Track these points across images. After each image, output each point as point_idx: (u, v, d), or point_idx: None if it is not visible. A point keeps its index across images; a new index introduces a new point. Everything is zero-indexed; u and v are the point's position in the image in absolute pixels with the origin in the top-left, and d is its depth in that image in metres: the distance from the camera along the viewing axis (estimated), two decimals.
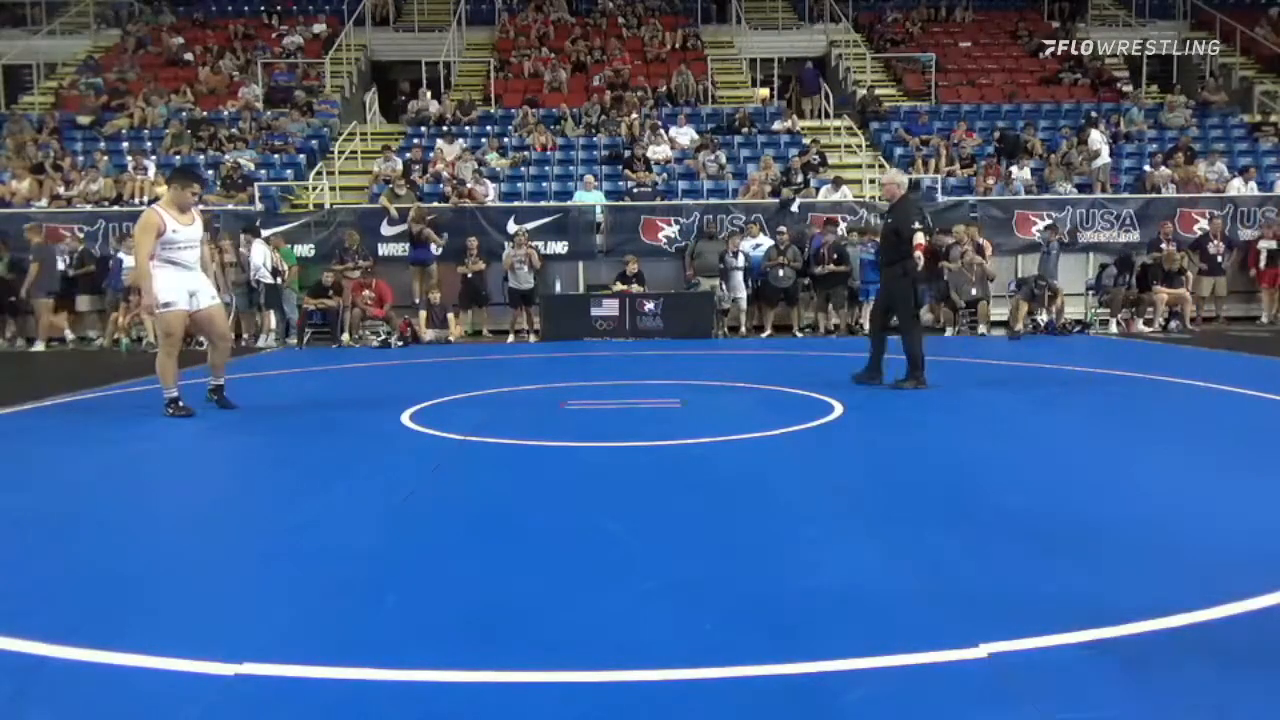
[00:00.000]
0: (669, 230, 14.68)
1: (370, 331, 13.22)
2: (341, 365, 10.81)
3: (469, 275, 13.97)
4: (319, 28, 21.20)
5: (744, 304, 13.98)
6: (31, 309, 13.67)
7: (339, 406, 7.68)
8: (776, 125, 18.04)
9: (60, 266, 13.74)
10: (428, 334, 13.39)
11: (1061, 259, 14.45)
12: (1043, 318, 13.63)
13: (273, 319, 13.71)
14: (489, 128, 17.91)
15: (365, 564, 3.44)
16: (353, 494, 4.55)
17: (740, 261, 13.85)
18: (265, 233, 14.05)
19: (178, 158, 16.51)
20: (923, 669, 2.48)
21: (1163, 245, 14.02)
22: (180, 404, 6.90)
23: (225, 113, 18.11)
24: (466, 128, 17.75)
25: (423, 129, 17.93)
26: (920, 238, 7.77)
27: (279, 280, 13.53)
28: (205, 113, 17.97)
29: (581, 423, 6.55)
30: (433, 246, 14.08)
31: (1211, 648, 2.59)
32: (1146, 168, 16.36)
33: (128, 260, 13.14)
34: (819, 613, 2.90)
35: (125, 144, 17.05)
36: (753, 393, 7.91)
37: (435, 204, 14.79)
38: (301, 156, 16.75)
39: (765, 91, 20.81)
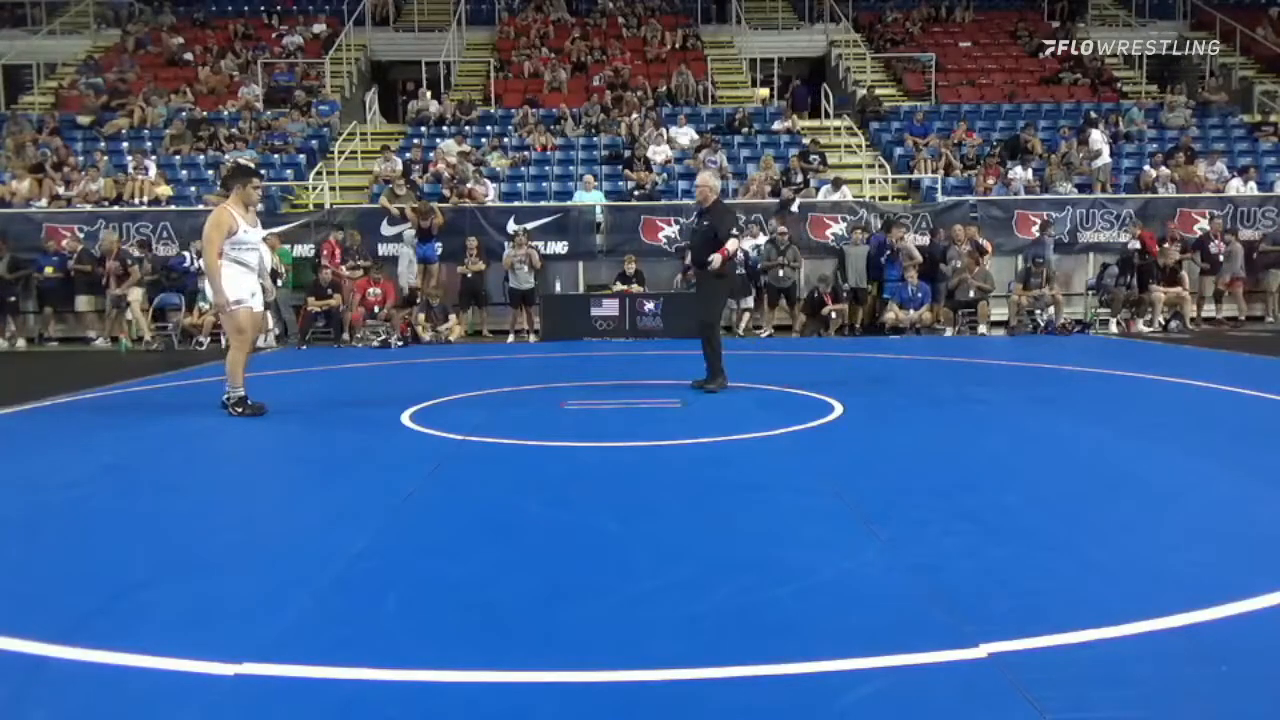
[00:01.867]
0: (669, 230, 14.68)
1: (370, 331, 13.22)
2: (341, 365, 10.81)
3: (469, 275, 13.97)
4: (319, 28, 21.20)
5: (743, 304, 14.01)
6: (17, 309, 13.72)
7: (339, 406, 7.68)
8: (776, 125, 18.05)
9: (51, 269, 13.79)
10: (426, 334, 13.38)
11: (1061, 259, 14.48)
12: (1043, 318, 13.64)
13: (270, 319, 13.70)
14: (489, 128, 17.91)
15: (365, 564, 3.44)
16: (353, 494, 4.55)
17: (739, 260, 13.86)
18: (263, 233, 14.02)
19: (178, 158, 16.53)
20: (923, 669, 2.48)
21: (1131, 244, 14.07)
22: (250, 402, 6.90)
23: (225, 113, 18.11)
24: (466, 128, 17.75)
25: (423, 129, 17.94)
26: (731, 244, 7.82)
27: (276, 281, 13.52)
28: (205, 113, 17.97)
29: (581, 423, 6.55)
30: (435, 246, 14.07)
31: (1211, 648, 2.59)
32: (1146, 167, 16.36)
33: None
34: (819, 613, 2.90)
35: (125, 144, 17.05)
36: (753, 393, 7.91)
37: (436, 204, 14.77)
38: (301, 156, 16.75)
39: (765, 91, 20.81)
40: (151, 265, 13.88)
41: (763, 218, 14.56)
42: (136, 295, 13.50)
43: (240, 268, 6.87)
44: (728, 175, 16.20)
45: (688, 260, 13.89)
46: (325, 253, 13.86)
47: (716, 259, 7.54)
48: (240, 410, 6.85)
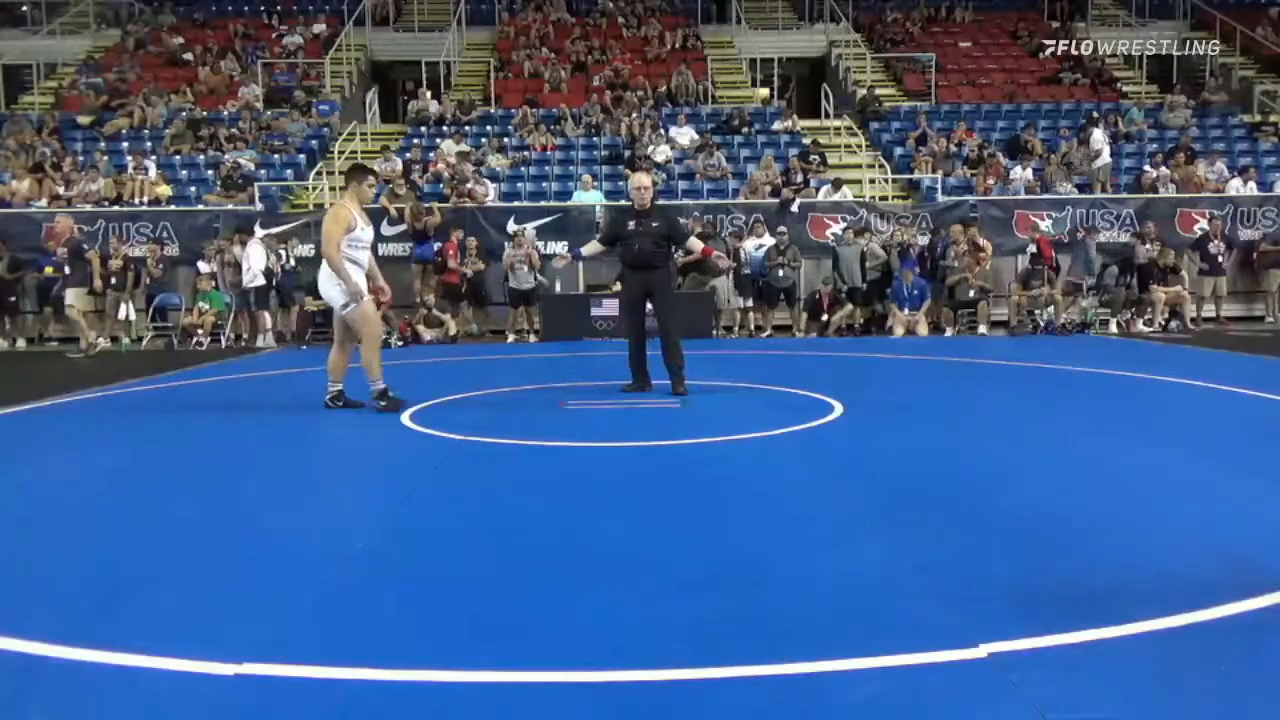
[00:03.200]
0: None
1: None
2: None
3: (469, 275, 13.97)
4: (319, 28, 21.19)
5: (727, 303, 14.02)
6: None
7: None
8: (776, 125, 18.05)
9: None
10: (428, 334, 13.38)
11: (1061, 260, 14.48)
12: (1043, 318, 13.64)
13: (268, 319, 13.72)
14: (489, 128, 17.91)
15: (365, 564, 3.44)
16: (353, 494, 4.55)
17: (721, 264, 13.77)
18: (263, 233, 14.06)
19: (178, 158, 16.53)
20: (923, 669, 2.47)
21: (1147, 245, 14.10)
22: (390, 395, 6.92)
23: (225, 113, 18.11)
24: (466, 128, 17.75)
25: (423, 129, 17.93)
26: (697, 242, 8.03)
27: (273, 281, 13.55)
28: (205, 113, 17.96)
29: (581, 423, 6.55)
30: (435, 246, 14.08)
31: (1211, 648, 2.58)
32: (1146, 168, 16.36)
33: (256, 258, 13.12)
34: (819, 613, 2.90)
35: (125, 144, 17.04)
36: (753, 393, 7.90)
37: (436, 203, 14.77)
38: (301, 156, 16.75)
39: (765, 91, 20.81)
40: (136, 266, 13.81)
41: (763, 218, 14.56)
42: (77, 296, 13.15)
43: (355, 266, 6.85)
44: (728, 175, 16.23)
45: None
46: (449, 251, 13.86)
47: (725, 262, 7.62)
48: (384, 404, 6.86)
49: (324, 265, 6.88)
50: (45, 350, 13.44)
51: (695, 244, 8.22)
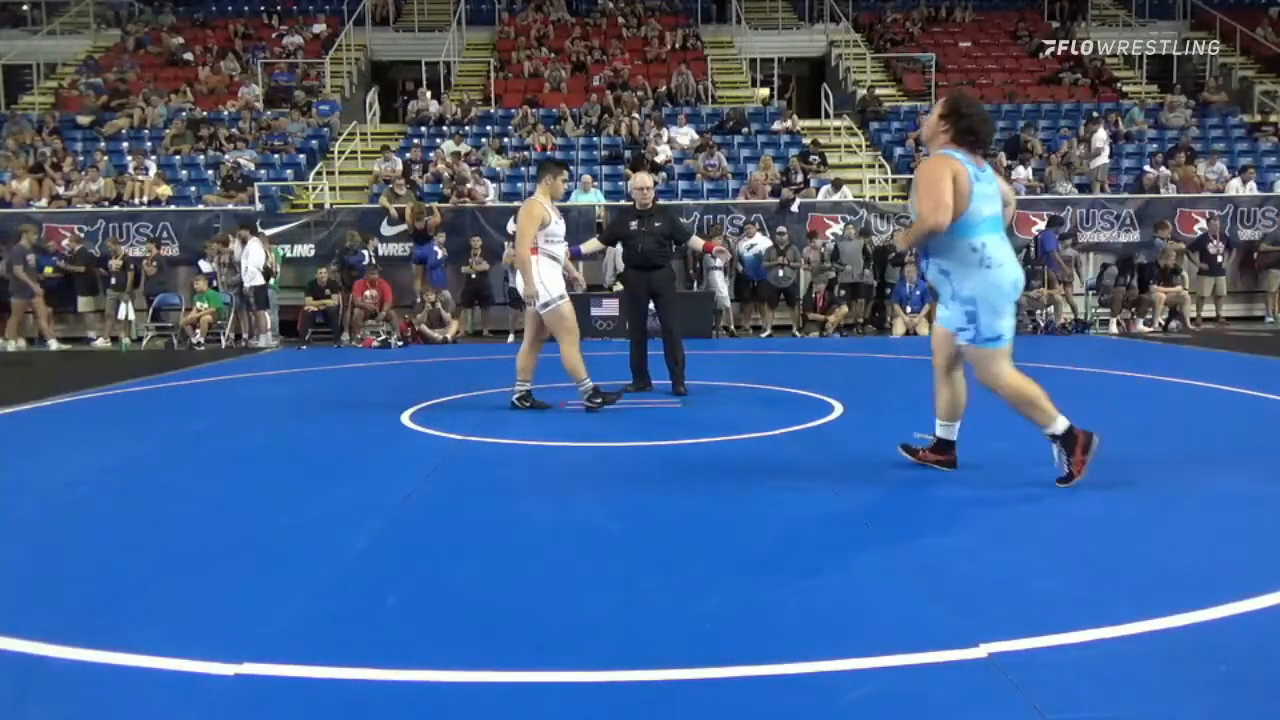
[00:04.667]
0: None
1: (370, 331, 13.23)
2: (341, 365, 10.81)
3: (473, 275, 13.98)
4: (319, 28, 21.20)
5: (728, 303, 14.07)
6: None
7: (339, 406, 7.68)
8: (776, 125, 18.04)
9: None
10: (435, 334, 13.36)
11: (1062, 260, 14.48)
12: (1042, 318, 13.64)
13: (268, 319, 13.72)
14: (489, 128, 17.90)
15: (365, 564, 3.44)
16: (353, 494, 4.55)
17: (718, 262, 13.76)
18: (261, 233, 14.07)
19: (178, 158, 16.53)
20: (923, 669, 2.47)
21: (1157, 242, 14.12)
22: (602, 390, 6.84)
23: (225, 113, 18.12)
24: (466, 128, 17.75)
25: (423, 129, 17.93)
26: (698, 240, 8.12)
27: (270, 281, 13.55)
28: (205, 113, 17.97)
29: (581, 423, 6.55)
30: (436, 246, 14.07)
31: (1211, 648, 2.58)
32: (1146, 168, 16.36)
33: (255, 257, 13.04)
34: (819, 613, 2.90)
35: (125, 144, 17.05)
36: (753, 393, 7.90)
37: (436, 204, 14.77)
38: (301, 156, 16.75)
39: (765, 91, 20.81)
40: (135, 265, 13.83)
41: (758, 220, 14.55)
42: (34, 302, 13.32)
43: (552, 262, 6.76)
44: (728, 175, 16.23)
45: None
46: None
47: (724, 256, 7.66)
48: (598, 401, 6.78)
49: (530, 259, 6.72)
50: (45, 350, 13.43)
51: (696, 242, 8.24)
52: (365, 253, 13.96)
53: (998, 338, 4.37)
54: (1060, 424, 4.41)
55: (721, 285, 13.96)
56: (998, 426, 6.28)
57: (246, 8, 22.81)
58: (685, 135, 17.22)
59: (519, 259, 6.76)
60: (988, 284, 4.32)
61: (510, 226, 14.47)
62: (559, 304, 6.70)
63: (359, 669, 2.50)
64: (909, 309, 13.61)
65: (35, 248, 13.64)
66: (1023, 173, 15.90)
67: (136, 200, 15.17)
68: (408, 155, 16.42)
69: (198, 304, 13.54)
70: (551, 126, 17.67)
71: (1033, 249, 14.13)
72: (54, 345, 13.49)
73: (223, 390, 6.93)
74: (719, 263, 13.81)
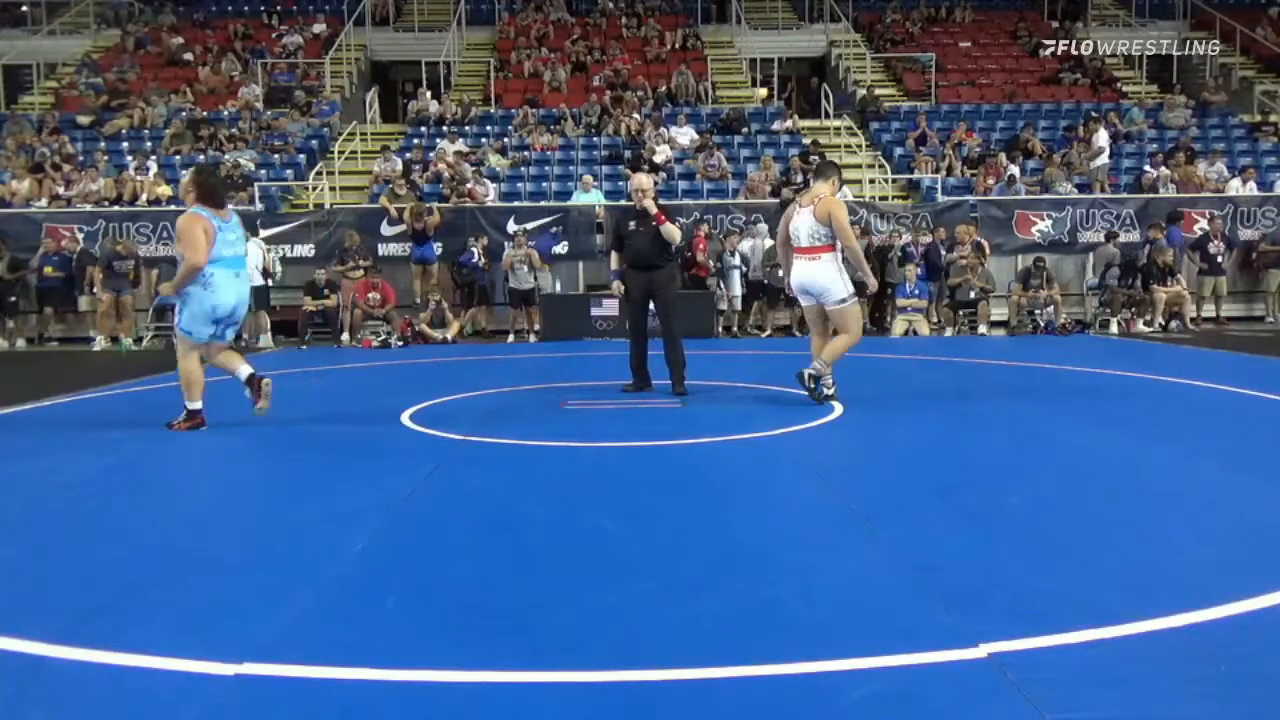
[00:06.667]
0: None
1: (370, 332, 13.22)
2: (341, 365, 10.81)
3: (469, 269, 13.97)
4: (319, 28, 21.20)
5: (739, 304, 14.04)
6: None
7: (339, 406, 7.69)
8: (776, 125, 18.04)
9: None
10: (437, 334, 13.36)
11: (1061, 259, 14.47)
12: (1043, 318, 13.64)
13: (267, 319, 13.72)
14: (489, 128, 17.90)
15: (365, 564, 3.44)
16: (353, 494, 4.55)
17: (737, 260, 13.88)
18: (263, 233, 14.07)
19: (178, 158, 16.52)
20: (923, 669, 2.47)
21: (1152, 242, 14.14)
22: (826, 380, 6.96)
23: (225, 113, 18.11)
24: (466, 128, 17.74)
25: (423, 129, 17.93)
26: (672, 230, 7.94)
27: (268, 281, 13.55)
28: (205, 113, 17.97)
29: (581, 423, 6.55)
30: (435, 247, 14.07)
31: (1211, 648, 2.58)
32: (1146, 167, 16.35)
33: (253, 257, 13.01)
34: (819, 613, 2.90)
35: (125, 144, 17.05)
36: (753, 393, 7.90)
37: (436, 204, 14.77)
38: (301, 156, 16.75)
39: (765, 91, 20.81)
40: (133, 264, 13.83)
41: (753, 221, 14.55)
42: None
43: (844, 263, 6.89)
44: (728, 175, 16.23)
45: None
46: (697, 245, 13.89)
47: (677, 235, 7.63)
48: (829, 394, 6.92)
49: (824, 257, 6.80)
50: (45, 350, 13.43)
51: (671, 232, 7.99)
52: (475, 250, 13.91)
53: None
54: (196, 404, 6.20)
55: (737, 285, 13.96)
56: (995, 430, 6.29)
57: (246, 8, 22.81)
58: (685, 135, 17.22)
59: (851, 252, 6.89)
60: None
61: (511, 226, 14.51)
62: (852, 302, 6.91)
63: (359, 669, 2.50)
64: (909, 309, 13.61)
65: (34, 248, 13.66)
66: (1023, 172, 15.89)
67: (136, 200, 15.17)
68: (408, 155, 16.42)
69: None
70: (551, 126, 17.67)
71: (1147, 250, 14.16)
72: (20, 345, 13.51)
73: (223, 390, 6.92)
74: (736, 260, 13.85)
